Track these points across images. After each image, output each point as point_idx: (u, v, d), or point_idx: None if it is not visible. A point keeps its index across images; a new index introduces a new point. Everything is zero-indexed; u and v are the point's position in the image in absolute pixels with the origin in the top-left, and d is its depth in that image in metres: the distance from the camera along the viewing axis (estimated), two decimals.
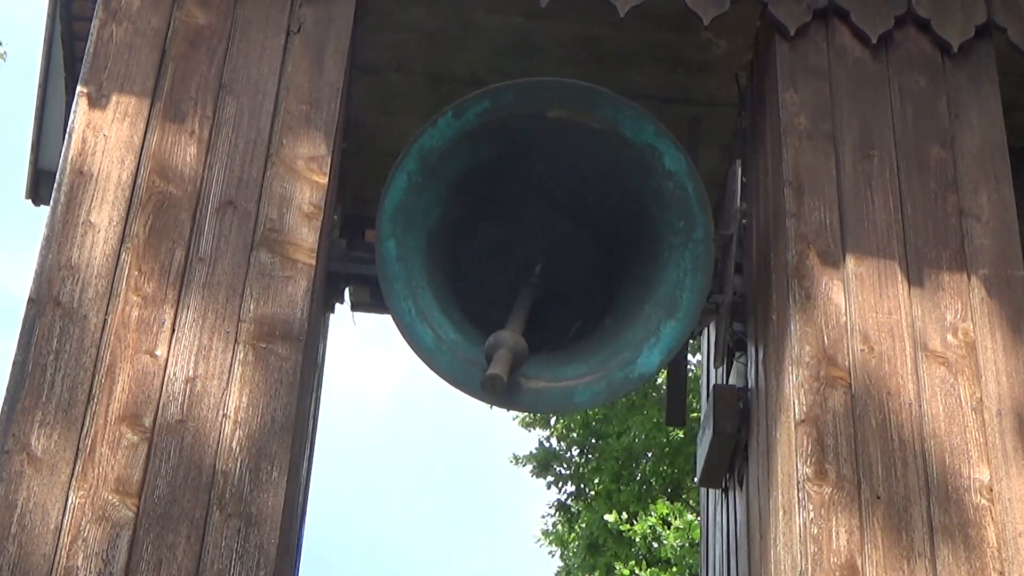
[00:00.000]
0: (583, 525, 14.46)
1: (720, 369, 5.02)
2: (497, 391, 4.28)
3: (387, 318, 4.77)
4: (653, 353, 4.59)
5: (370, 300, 5.08)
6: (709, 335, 5.07)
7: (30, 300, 3.83)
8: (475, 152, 4.62)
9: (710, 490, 5.20)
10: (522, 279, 4.88)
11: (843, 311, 4.02)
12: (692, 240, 4.59)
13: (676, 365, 5.33)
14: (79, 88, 4.19)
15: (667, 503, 13.49)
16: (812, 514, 3.67)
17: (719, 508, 5.00)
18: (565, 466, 15.38)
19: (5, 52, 11.88)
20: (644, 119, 4.54)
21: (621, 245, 4.88)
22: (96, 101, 4.16)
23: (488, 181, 4.77)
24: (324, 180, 4.12)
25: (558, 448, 14.99)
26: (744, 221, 4.64)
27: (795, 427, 3.82)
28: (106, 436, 3.64)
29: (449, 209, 4.72)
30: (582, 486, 15.25)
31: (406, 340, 4.59)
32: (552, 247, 4.95)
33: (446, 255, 4.82)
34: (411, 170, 4.55)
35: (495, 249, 4.97)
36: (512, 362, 4.34)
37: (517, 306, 4.70)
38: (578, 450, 15.24)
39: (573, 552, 14.62)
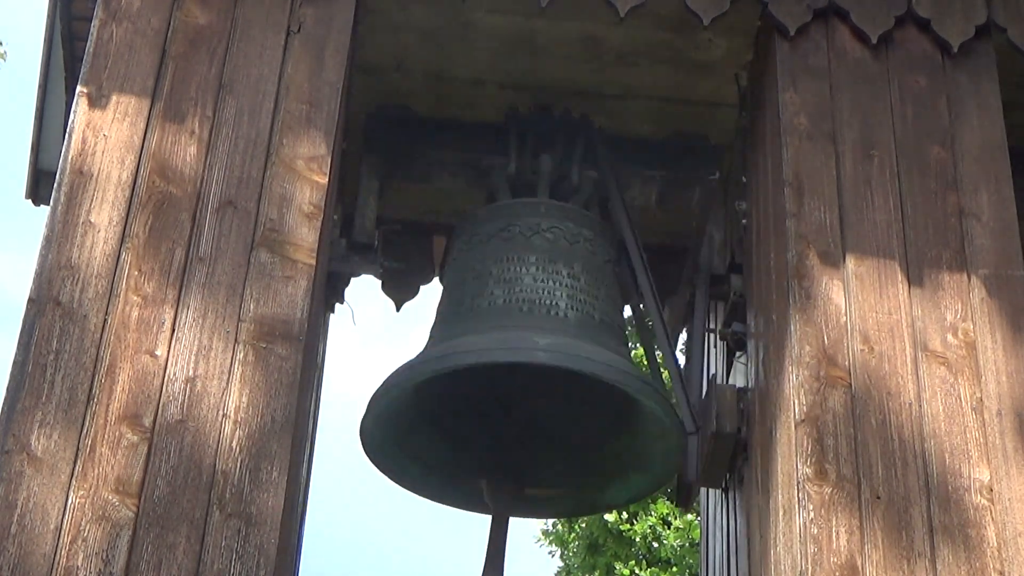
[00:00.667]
0: (583, 525, 14.44)
1: (720, 370, 5.03)
2: None
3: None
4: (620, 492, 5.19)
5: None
6: (707, 342, 5.09)
7: (30, 300, 3.83)
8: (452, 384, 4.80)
9: (710, 490, 5.19)
10: (492, 499, 4.94)
11: (843, 311, 4.02)
12: (667, 447, 4.79)
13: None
14: (79, 88, 4.19)
15: (667, 503, 13.47)
16: (812, 514, 3.66)
17: (719, 508, 5.00)
18: None
19: (5, 52, 11.85)
20: (642, 388, 4.66)
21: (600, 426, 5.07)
22: (96, 101, 4.15)
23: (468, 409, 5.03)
24: (324, 180, 4.11)
25: None
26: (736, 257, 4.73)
27: (795, 427, 3.81)
28: (106, 436, 3.64)
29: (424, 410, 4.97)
30: None
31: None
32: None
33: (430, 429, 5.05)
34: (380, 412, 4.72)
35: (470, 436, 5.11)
36: None
37: (490, 548, 4.82)
38: None
39: (573, 552, 14.60)
